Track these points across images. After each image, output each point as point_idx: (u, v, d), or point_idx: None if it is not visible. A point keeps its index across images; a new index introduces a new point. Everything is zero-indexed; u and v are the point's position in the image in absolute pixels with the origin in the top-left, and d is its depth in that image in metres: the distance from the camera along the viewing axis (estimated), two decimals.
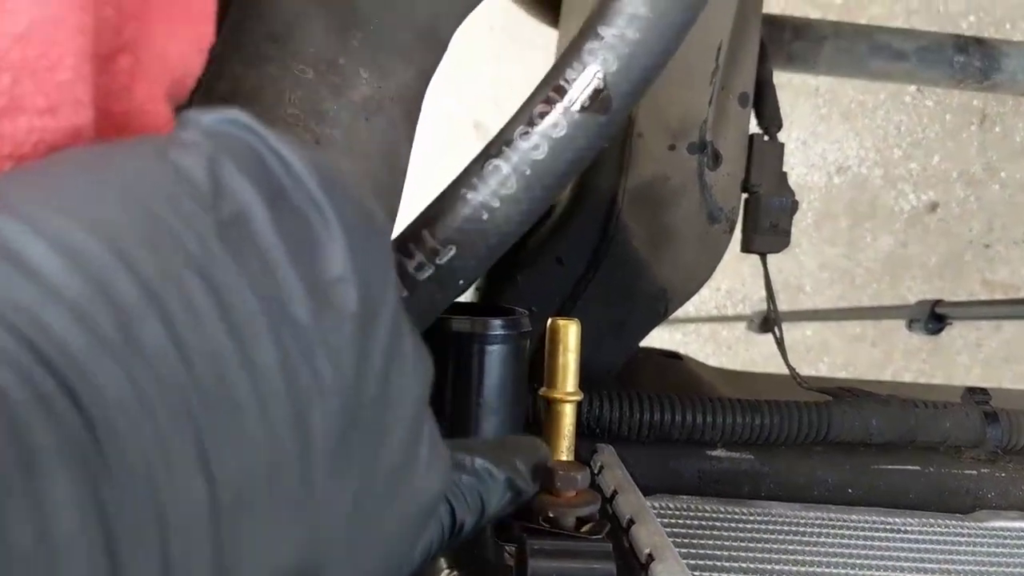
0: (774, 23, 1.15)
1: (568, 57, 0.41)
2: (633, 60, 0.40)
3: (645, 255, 0.85)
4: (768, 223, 0.89)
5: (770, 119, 0.91)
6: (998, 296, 2.20)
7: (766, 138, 0.90)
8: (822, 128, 2.15)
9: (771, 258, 0.93)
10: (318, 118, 0.51)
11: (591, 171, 0.84)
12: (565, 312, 0.83)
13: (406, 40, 0.54)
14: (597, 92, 0.40)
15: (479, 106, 2.19)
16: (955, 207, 2.17)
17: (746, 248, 0.91)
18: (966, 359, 2.17)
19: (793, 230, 2.14)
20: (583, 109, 0.40)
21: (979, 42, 1.20)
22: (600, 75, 0.40)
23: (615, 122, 0.41)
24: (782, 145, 0.90)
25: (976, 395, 0.84)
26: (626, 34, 0.39)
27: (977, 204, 2.16)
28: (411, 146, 0.57)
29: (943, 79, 1.19)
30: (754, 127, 0.91)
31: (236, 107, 0.28)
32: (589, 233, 0.85)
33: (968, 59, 1.18)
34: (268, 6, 0.52)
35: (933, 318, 1.31)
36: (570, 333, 0.54)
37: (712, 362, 2.24)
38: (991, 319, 1.94)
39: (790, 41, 1.16)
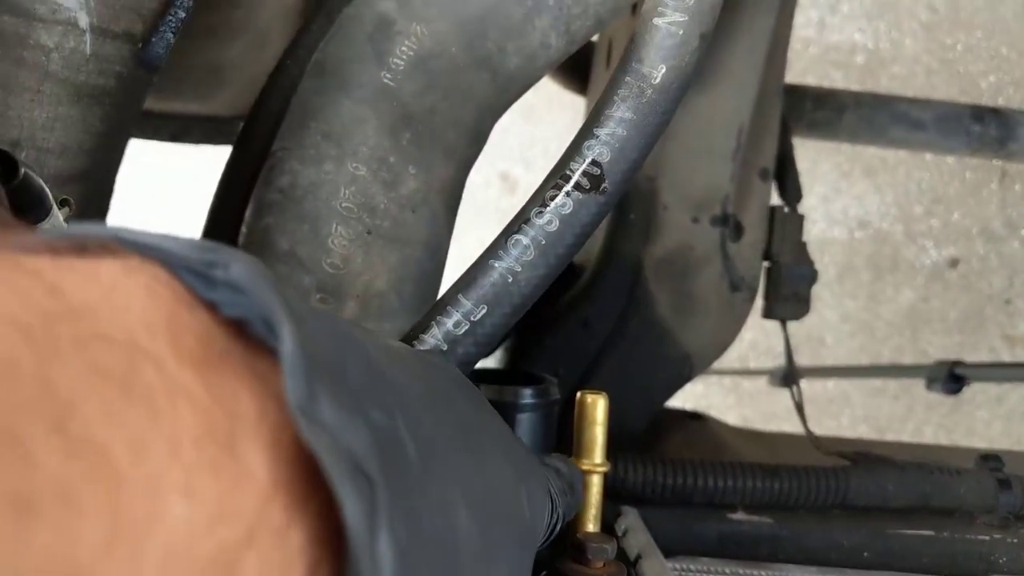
0: (795, 93, 1.20)
1: (572, 151, 0.50)
2: (622, 152, 0.48)
3: (669, 321, 0.89)
4: (789, 291, 0.93)
5: (791, 191, 0.95)
6: (1018, 351, 2.22)
7: (787, 210, 0.94)
8: (844, 184, 2.18)
9: None
10: (370, 212, 0.55)
11: (618, 239, 0.89)
12: (590, 375, 0.87)
13: (451, 137, 0.59)
14: (595, 178, 0.49)
15: (507, 158, 2.25)
16: (976, 263, 2.19)
17: (768, 315, 0.95)
18: (986, 414, 2.18)
19: (815, 284, 2.17)
20: (585, 191, 0.49)
21: (996, 112, 1.24)
22: (597, 165, 0.47)
23: (611, 200, 0.49)
24: (802, 216, 0.94)
25: (990, 461, 0.87)
26: (616, 132, 0.48)
27: (998, 260, 2.19)
28: (451, 232, 0.62)
29: (960, 148, 1.23)
30: (775, 198, 0.95)
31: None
32: (615, 298, 0.89)
33: (985, 128, 1.22)
34: (327, 109, 0.57)
35: (952, 379, 1.34)
36: (598, 407, 0.58)
37: (734, 413, 2.27)
38: (1010, 381, 1.95)
39: (811, 110, 1.20)
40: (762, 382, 2.11)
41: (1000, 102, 2.13)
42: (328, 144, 0.56)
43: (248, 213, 0.58)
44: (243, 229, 0.58)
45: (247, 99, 1.03)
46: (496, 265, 0.50)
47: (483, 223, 2.28)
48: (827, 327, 2.21)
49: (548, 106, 2.18)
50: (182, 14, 0.60)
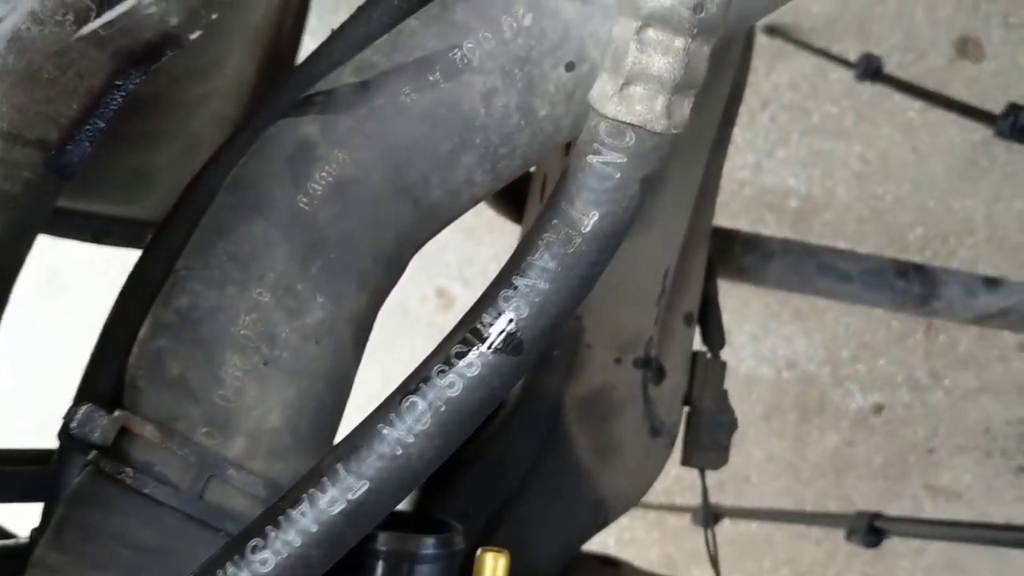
0: (725, 236, 1.21)
1: (485, 302, 0.45)
2: (543, 308, 0.44)
3: (587, 464, 0.87)
4: (708, 439, 0.91)
5: (714, 337, 0.94)
6: (941, 502, 2.23)
7: (709, 356, 0.93)
8: (773, 324, 2.21)
9: None
10: (269, 341, 0.53)
11: (540, 374, 0.87)
12: (502, 516, 0.84)
13: (366, 266, 0.57)
14: (510, 336, 0.44)
15: (445, 274, 2.24)
16: (900, 410, 2.21)
17: (686, 462, 0.93)
18: (908, 564, 2.17)
19: (741, 421, 2.17)
20: (497, 351, 0.44)
21: (920, 269, 1.26)
22: (513, 321, 0.43)
23: (527, 363, 0.45)
24: (724, 363, 0.93)
25: None
26: (537, 285, 0.43)
27: (922, 409, 2.21)
28: (358, 364, 0.59)
29: (885, 302, 1.25)
30: (699, 343, 0.94)
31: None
32: (533, 437, 0.86)
33: (909, 285, 1.24)
34: (238, 229, 0.54)
35: (871, 531, 1.33)
36: (499, 567, 0.55)
37: (657, 550, 2.23)
38: (928, 539, 1.95)
39: (740, 255, 1.21)
40: (687, 518, 2.08)
41: (927, 254, 2.19)
42: (233, 267, 0.53)
43: (143, 331, 0.55)
44: (135, 349, 0.55)
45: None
46: (385, 433, 0.45)
47: (416, 337, 2.25)
48: (752, 466, 2.20)
49: (489, 226, 2.18)
50: (101, 124, 0.58)
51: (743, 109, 1.03)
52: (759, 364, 2.20)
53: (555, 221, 0.42)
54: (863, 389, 2.22)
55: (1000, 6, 2.13)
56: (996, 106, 2.12)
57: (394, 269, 0.59)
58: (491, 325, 0.44)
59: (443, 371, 0.44)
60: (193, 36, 0.61)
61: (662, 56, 0.37)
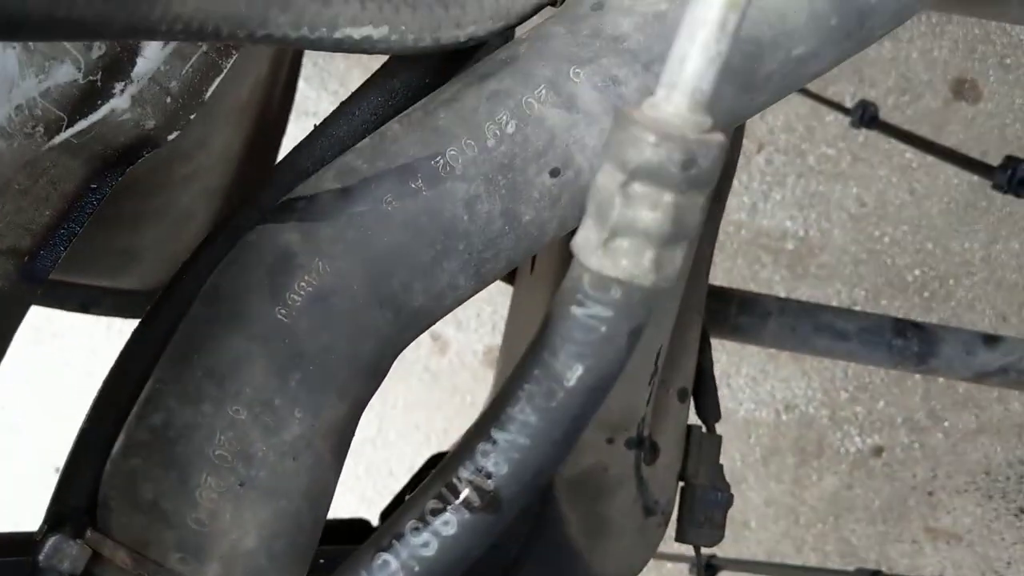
0: (720, 296, 1.19)
1: (462, 454, 0.42)
2: (523, 465, 0.41)
3: (579, 544, 0.85)
4: (703, 516, 0.89)
5: (708, 410, 0.93)
6: (940, 544, 2.21)
7: (704, 430, 0.91)
8: (771, 367, 2.19)
9: None
10: (246, 461, 0.51)
11: None
12: None
13: (346, 376, 0.55)
14: (488, 493, 0.42)
15: None
16: (899, 452, 2.20)
17: (680, 538, 0.91)
18: None
19: (740, 464, 2.14)
20: (474, 509, 0.42)
21: (918, 327, 1.25)
22: (492, 478, 0.41)
23: (504, 520, 0.42)
24: (720, 438, 0.92)
25: None
26: (517, 440, 0.41)
27: (921, 451, 2.19)
28: (339, 475, 0.57)
29: (882, 360, 1.23)
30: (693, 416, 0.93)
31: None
32: (525, 518, 0.85)
33: (907, 343, 1.22)
34: (214, 343, 0.53)
35: None
36: None
37: None
38: None
39: (736, 315, 1.20)
40: (685, 566, 2.05)
41: (925, 296, 2.18)
42: (209, 383, 0.52)
43: (116, 448, 0.53)
44: (108, 466, 0.53)
45: (163, 276, 1.00)
46: None
47: (412, 382, 2.23)
48: (751, 509, 2.17)
49: None
50: (77, 228, 0.57)
51: None
52: (757, 407, 2.19)
53: (536, 372, 0.40)
54: (862, 431, 2.20)
55: (996, 48, 2.12)
56: (992, 147, 2.12)
57: (375, 377, 0.57)
58: (468, 481, 0.42)
59: (417, 529, 0.42)
60: (171, 137, 0.60)
61: (649, 211, 0.35)
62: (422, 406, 2.18)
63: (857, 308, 2.16)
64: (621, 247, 0.36)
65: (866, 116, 1.72)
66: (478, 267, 0.56)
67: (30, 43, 0.49)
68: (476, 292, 0.59)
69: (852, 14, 0.54)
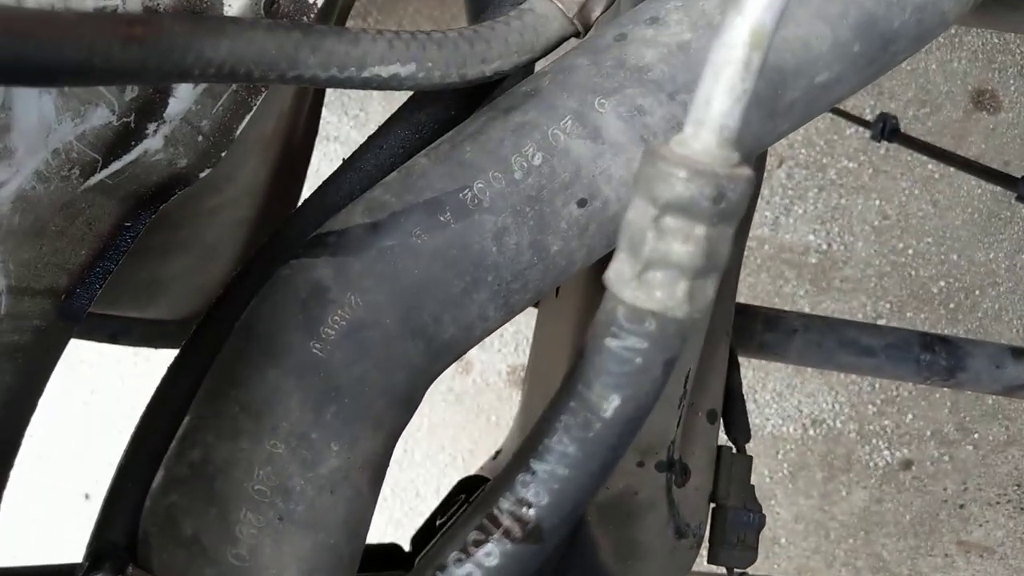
0: (746, 313, 1.19)
1: (502, 485, 0.43)
2: (563, 495, 0.42)
3: (611, 568, 0.85)
4: (735, 538, 0.89)
5: (738, 431, 0.93)
6: (973, 557, 2.18)
7: (734, 451, 0.91)
8: (797, 381, 2.18)
9: None
10: (284, 495, 0.52)
11: None
12: None
13: (380, 408, 0.56)
14: (529, 524, 0.42)
15: None
16: (929, 465, 2.18)
17: (713, 560, 0.91)
18: None
19: (768, 481, 2.12)
20: (515, 540, 0.42)
21: (945, 341, 1.24)
22: (532, 509, 0.42)
23: (547, 550, 0.43)
24: (750, 459, 0.91)
25: None
26: (556, 471, 0.41)
27: (951, 464, 2.17)
28: (375, 506, 0.58)
29: (910, 375, 1.23)
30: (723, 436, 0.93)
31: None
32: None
33: (934, 358, 1.22)
34: (250, 378, 0.54)
35: None
36: None
37: None
38: None
39: (761, 332, 1.20)
40: None
41: (951, 307, 2.17)
42: (246, 418, 0.53)
43: (155, 485, 0.54)
44: (148, 502, 0.54)
45: (191, 306, 1.01)
46: None
47: (435, 403, 2.24)
48: (781, 526, 2.16)
49: None
50: (112, 266, 0.58)
51: None
52: (784, 422, 2.17)
53: (573, 404, 0.40)
54: (890, 445, 2.19)
55: (1015, 57, 2.12)
56: (1015, 157, 2.11)
57: (408, 407, 0.58)
58: (509, 512, 0.42)
59: (460, 560, 0.42)
60: (203, 174, 0.61)
61: (682, 244, 0.36)
62: (447, 427, 2.18)
63: (882, 321, 2.15)
64: (655, 279, 0.37)
65: (887, 129, 1.72)
66: (507, 298, 0.57)
67: (66, 88, 0.50)
68: (505, 322, 0.60)
69: (875, 40, 0.54)
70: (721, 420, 0.91)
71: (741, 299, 2.15)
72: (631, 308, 0.37)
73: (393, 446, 0.59)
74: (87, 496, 2.16)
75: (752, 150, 0.59)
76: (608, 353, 0.38)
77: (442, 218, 0.55)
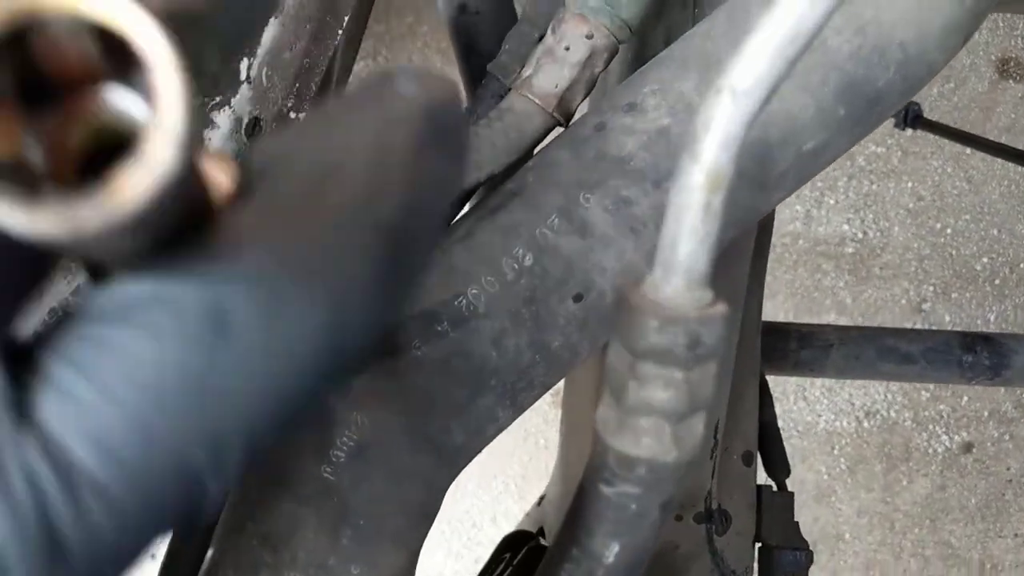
0: (779, 333, 1.17)
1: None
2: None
3: None
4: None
5: (776, 467, 0.91)
6: None
7: (774, 488, 0.90)
8: None
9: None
10: None
11: None
12: None
13: (397, 524, 0.56)
14: None
15: None
16: (990, 447, 2.13)
17: None
18: None
19: (826, 478, 2.09)
20: None
21: (986, 339, 1.21)
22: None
23: None
24: (791, 495, 0.90)
25: None
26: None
27: (1012, 443, 2.13)
28: None
29: (953, 378, 1.20)
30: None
31: None
32: None
33: (976, 358, 1.19)
34: (263, 509, 0.54)
35: None
36: None
37: None
38: None
39: (797, 350, 1.18)
40: None
41: (996, 283, 2.12)
42: (264, 550, 0.53)
43: None
44: None
45: None
46: None
47: None
48: (844, 522, 2.13)
49: None
50: None
51: None
52: (837, 417, 2.14)
53: (575, 552, 0.40)
54: (948, 429, 2.14)
55: None
56: None
57: (426, 518, 0.57)
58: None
59: None
60: None
61: (663, 391, 0.35)
62: (496, 454, 2.18)
63: (927, 306, 2.11)
64: (640, 426, 0.36)
65: (910, 116, 1.69)
66: (513, 397, 0.56)
67: None
68: (518, 416, 0.59)
69: (860, 103, 0.53)
70: (759, 457, 0.90)
71: (780, 298, 2.12)
72: (620, 455, 0.37)
73: (417, 556, 0.58)
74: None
75: (746, 220, 0.58)
76: (604, 501, 0.38)
77: (439, 328, 0.54)
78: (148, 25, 0.18)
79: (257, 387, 0.22)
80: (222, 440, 0.22)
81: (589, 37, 0.57)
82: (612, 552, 0.39)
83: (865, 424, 2.15)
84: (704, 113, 0.33)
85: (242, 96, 0.57)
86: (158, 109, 0.18)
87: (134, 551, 0.22)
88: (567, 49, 0.57)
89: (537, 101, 0.56)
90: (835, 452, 2.14)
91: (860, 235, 2.13)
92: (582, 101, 0.58)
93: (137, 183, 0.18)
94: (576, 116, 0.59)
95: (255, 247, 0.22)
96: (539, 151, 0.58)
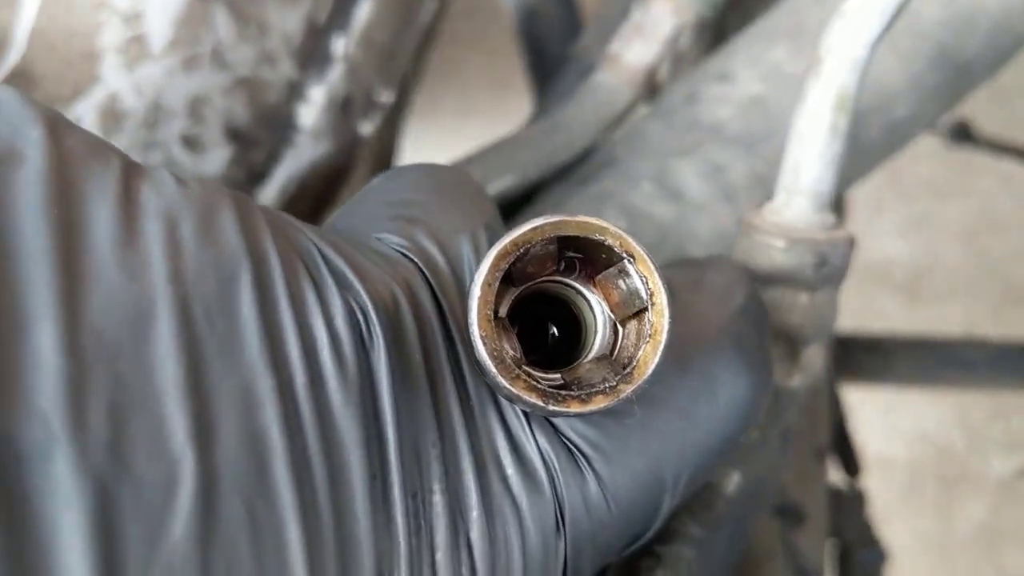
0: (843, 341, 1.17)
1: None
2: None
3: None
4: (859, 574, 0.87)
5: (849, 465, 0.91)
6: None
7: (847, 486, 0.89)
8: (897, 397, 2.12)
9: None
10: None
11: None
12: None
13: None
14: None
15: None
16: None
17: None
18: None
19: (879, 502, 2.06)
20: None
21: None
22: None
23: None
24: (864, 492, 0.89)
25: None
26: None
27: None
28: None
29: (1019, 385, 1.19)
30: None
31: None
32: None
33: None
34: None
35: None
36: None
37: None
38: None
39: (860, 358, 1.17)
40: None
41: None
42: None
43: None
44: None
45: None
46: None
47: None
48: (898, 547, 2.09)
49: None
50: None
51: None
52: (889, 441, 2.12)
53: None
54: (1002, 452, 2.11)
55: None
56: None
57: None
58: None
59: None
60: None
61: (786, 315, 0.35)
62: None
63: (980, 326, 2.09)
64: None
65: (960, 134, 1.68)
66: None
67: None
68: None
69: (950, 71, 0.53)
70: (832, 456, 0.89)
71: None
72: None
73: None
74: None
75: (837, 192, 0.58)
76: None
77: None
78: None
79: (702, 443, 0.33)
80: (679, 473, 0.33)
81: (676, 13, 0.58)
82: (732, 482, 0.39)
83: (917, 448, 2.12)
84: (827, 38, 0.34)
85: (336, 73, 0.59)
86: (654, 293, 0.27)
87: (623, 534, 0.34)
88: (655, 25, 0.58)
89: (625, 76, 0.57)
90: (887, 477, 2.11)
91: (909, 259, 2.12)
92: (668, 77, 0.59)
93: (650, 358, 0.25)
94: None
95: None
96: (626, 126, 0.59)
